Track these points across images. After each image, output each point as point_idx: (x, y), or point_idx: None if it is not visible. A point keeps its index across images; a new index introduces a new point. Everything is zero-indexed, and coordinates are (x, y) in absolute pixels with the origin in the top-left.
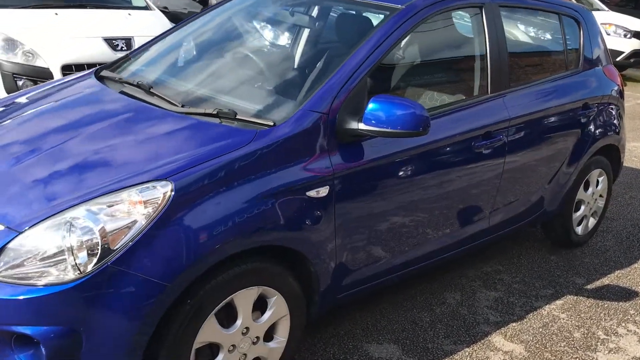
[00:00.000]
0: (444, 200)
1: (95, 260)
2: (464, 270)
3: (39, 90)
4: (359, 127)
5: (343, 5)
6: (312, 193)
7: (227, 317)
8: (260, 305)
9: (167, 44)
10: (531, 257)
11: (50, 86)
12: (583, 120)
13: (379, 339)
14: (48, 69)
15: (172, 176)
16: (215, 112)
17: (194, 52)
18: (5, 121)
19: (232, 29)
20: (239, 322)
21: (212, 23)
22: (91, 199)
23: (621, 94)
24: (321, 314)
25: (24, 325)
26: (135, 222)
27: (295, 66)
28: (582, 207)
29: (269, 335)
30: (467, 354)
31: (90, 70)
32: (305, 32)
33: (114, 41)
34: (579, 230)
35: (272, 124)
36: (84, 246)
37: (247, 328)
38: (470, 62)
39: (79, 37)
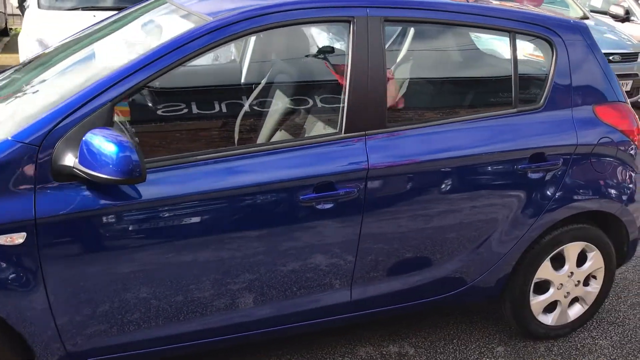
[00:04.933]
0: (237, 268)
1: None
2: (355, 345)
3: None
4: (75, 166)
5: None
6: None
7: None
8: None
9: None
10: (469, 341)
11: None
12: (533, 176)
13: None
14: None
15: None
16: None
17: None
18: None
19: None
20: None
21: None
22: None
23: (632, 144)
24: None
25: None
26: None
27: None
28: (551, 290)
29: None
30: None
31: None
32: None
33: None
34: (547, 319)
35: None
36: None
37: None
38: (317, 93)
39: None
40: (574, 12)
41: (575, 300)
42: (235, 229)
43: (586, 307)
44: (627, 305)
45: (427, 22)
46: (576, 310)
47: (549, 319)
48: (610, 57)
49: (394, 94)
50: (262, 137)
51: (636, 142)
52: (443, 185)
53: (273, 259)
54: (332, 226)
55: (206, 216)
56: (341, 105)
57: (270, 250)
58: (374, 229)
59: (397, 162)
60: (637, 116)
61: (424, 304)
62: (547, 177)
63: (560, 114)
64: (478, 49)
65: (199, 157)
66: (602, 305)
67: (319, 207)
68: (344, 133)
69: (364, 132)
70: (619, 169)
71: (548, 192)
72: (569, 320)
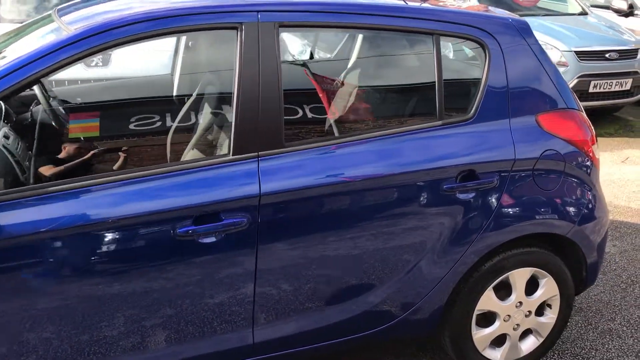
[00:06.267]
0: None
1: None
2: None
3: None
4: None
5: None
6: None
7: None
8: None
9: None
10: None
11: None
12: (462, 196)
13: None
14: None
15: None
16: None
17: None
18: None
19: None
20: None
21: None
22: None
23: (585, 157)
24: None
25: None
26: None
27: None
28: (497, 322)
29: None
30: None
31: None
32: None
33: None
34: (496, 354)
35: None
36: None
37: None
38: (200, 110)
39: None
40: (572, 8)
41: (528, 332)
42: (105, 269)
43: (541, 340)
44: (597, 333)
45: (332, 27)
46: (530, 344)
47: (497, 354)
48: (607, 55)
49: (351, 103)
50: (176, 157)
51: (591, 154)
52: (353, 211)
53: (153, 300)
54: (220, 262)
55: (65, 254)
56: (230, 123)
57: (153, 290)
58: (272, 264)
59: (297, 186)
60: (591, 125)
61: (346, 343)
62: (480, 197)
63: (494, 125)
64: (400, 54)
65: (54, 188)
66: (569, 334)
67: (200, 240)
68: (233, 154)
69: (256, 154)
70: (570, 185)
71: (482, 214)
72: (521, 355)
